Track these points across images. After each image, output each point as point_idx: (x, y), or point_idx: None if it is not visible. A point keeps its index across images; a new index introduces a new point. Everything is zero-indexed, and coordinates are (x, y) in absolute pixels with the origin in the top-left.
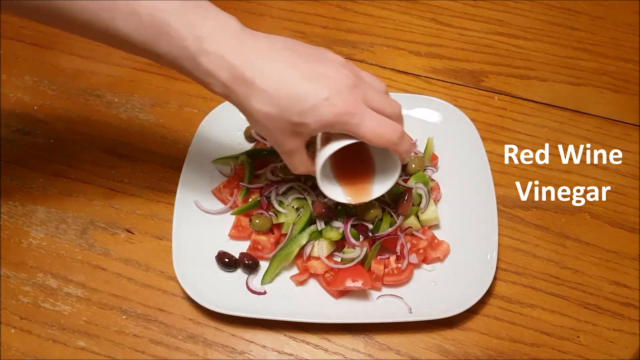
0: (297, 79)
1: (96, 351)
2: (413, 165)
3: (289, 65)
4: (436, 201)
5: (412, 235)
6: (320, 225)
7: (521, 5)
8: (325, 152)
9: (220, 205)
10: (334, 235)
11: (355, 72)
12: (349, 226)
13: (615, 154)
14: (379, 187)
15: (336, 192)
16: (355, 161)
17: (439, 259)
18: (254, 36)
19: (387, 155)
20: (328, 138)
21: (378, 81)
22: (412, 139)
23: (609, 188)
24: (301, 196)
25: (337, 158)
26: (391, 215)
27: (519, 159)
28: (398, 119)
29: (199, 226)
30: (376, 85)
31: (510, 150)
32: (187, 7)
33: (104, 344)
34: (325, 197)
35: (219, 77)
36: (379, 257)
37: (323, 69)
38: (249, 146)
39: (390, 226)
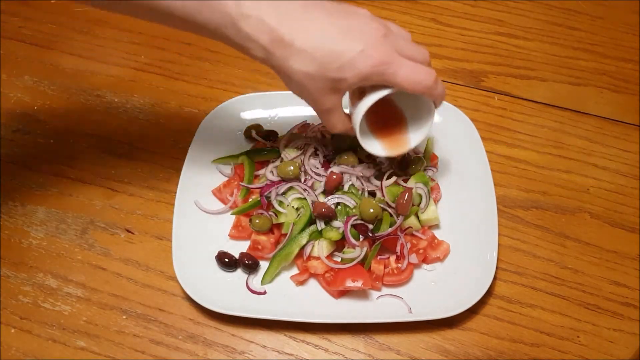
0: (332, 36)
1: (96, 351)
2: (413, 166)
3: (324, 24)
4: (436, 201)
5: (412, 235)
6: (320, 225)
7: (521, 5)
8: (364, 105)
9: (220, 205)
10: (334, 235)
11: (383, 23)
12: (349, 226)
13: (616, 154)
14: (414, 136)
15: (375, 147)
16: (386, 115)
17: (439, 259)
18: None
19: (418, 104)
20: (362, 93)
21: (404, 31)
22: (443, 85)
23: (609, 188)
24: (301, 196)
25: (369, 114)
26: (391, 215)
27: (519, 159)
28: (429, 65)
29: (199, 226)
30: (403, 34)
31: (510, 150)
32: None
33: (104, 344)
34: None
35: (259, 41)
36: (379, 257)
37: (355, 23)
38: (249, 146)
39: (390, 226)
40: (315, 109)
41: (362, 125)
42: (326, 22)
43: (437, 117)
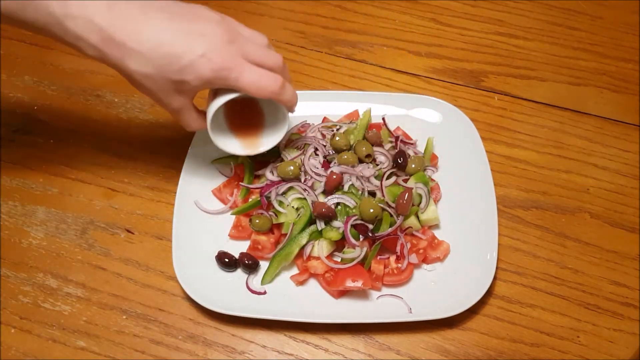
0: (171, 38)
1: (96, 351)
2: (413, 166)
3: (162, 25)
4: (436, 201)
5: (412, 235)
6: (320, 225)
7: (521, 5)
8: (212, 107)
9: (220, 205)
10: (334, 235)
11: (232, 28)
12: (349, 226)
13: (616, 154)
14: (268, 140)
15: (232, 145)
16: (249, 115)
17: (439, 259)
18: (125, 1)
19: (275, 108)
20: (216, 92)
21: (259, 35)
22: (294, 90)
23: (609, 188)
24: (301, 196)
25: (230, 111)
26: (391, 215)
27: (519, 159)
28: (280, 70)
29: (199, 226)
30: (257, 39)
31: (510, 150)
32: None
33: (104, 344)
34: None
35: (88, 40)
36: (379, 257)
37: (198, 26)
38: None
39: (390, 226)
40: (164, 109)
41: (219, 122)
42: (165, 23)
43: (437, 117)
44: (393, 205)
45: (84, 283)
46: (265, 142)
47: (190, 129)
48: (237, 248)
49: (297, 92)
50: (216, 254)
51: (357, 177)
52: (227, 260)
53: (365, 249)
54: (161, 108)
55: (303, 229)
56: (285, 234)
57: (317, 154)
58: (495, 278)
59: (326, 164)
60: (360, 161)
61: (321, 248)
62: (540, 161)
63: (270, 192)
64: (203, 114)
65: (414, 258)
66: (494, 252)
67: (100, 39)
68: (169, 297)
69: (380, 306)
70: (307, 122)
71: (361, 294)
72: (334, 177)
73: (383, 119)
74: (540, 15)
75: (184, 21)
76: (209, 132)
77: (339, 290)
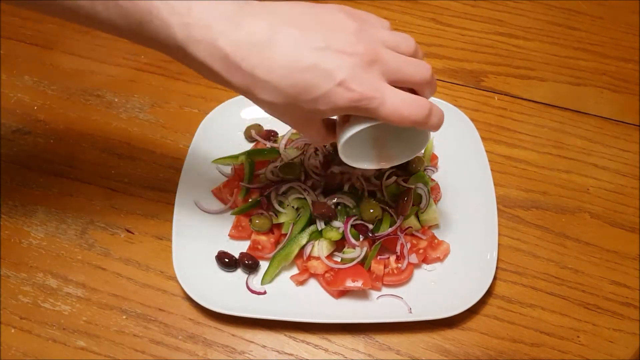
0: (303, 64)
1: (96, 351)
2: (413, 165)
3: (293, 48)
4: (436, 201)
5: (412, 235)
6: (320, 225)
7: (521, 5)
8: (344, 136)
9: (220, 205)
10: (334, 235)
11: (373, 38)
12: (349, 226)
13: (616, 154)
14: (406, 153)
15: (363, 159)
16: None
17: (439, 259)
18: (252, 16)
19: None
20: (347, 115)
21: (404, 39)
22: (441, 112)
23: (609, 188)
24: (301, 196)
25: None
26: (391, 215)
27: (519, 159)
28: (428, 84)
29: (199, 226)
30: (402, 46)
31: (511, 150)
32: None
33: (104, 344)
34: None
35: (212, 68)
36: (379, 257)
37: (334, 42)
38: (249, 146)
39: (390, 226)
40: (293, 128)
41: (352, 140)
42: (297, 45)
43: None
44: (393, 205)
45: (84, 283)
46: (402, 155)
47: (318, 145)
48: (237, 248)
49: None
50: (216, 254)
51: (357, 177)
52: (227, 260)
53: (365, 249)
54: (161, 108)
55: (303, 229)
56: (285, 234)
57: (317, 154)
58: (495, 278)
59: (326, 164)
60: None
61: (321, 248)
62: (540, 161)
63: (270, 192)
64: (332, 128)
65: (414, 258)
66: (494, 252)
67: (225, 67)
68: (169, 297)
69: (380, 306)
70: None
71: (361, 294)
72: (334, 177)
73: None
74: (540, 15)
75: (318, 36)
76: (340, 154)
77: (339, 290)
